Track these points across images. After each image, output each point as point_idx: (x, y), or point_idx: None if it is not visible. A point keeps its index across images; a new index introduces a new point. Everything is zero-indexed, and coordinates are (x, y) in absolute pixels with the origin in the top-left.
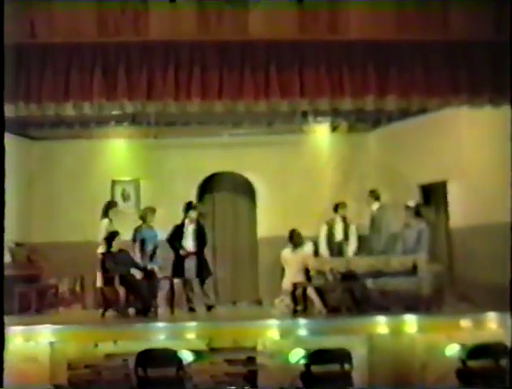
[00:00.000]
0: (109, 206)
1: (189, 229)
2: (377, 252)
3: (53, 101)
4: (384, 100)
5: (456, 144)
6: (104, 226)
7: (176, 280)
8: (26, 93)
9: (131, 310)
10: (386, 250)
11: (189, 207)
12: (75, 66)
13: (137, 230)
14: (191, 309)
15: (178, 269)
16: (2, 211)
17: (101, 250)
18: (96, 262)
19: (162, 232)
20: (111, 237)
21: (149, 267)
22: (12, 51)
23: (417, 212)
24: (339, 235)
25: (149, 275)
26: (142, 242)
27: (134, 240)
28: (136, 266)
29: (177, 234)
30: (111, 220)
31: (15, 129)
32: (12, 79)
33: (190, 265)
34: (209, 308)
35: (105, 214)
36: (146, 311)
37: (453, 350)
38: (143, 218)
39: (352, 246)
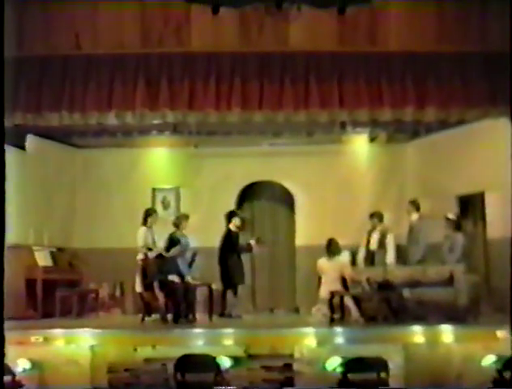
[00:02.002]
0: (148, 214)
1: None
2: (415, 262)
3: (96, 110)
4: (423, 112)
5: (494, 155)
6: (141, 234)
7: (214, 287)
8: (70, 102)
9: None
10: (424, 261)
11: (231, 215)
12: (119, 76)
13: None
14: (223, 315)
15: (240, 277)
16: (2, 214)
17: (141, 256)
18: (136, 267)
19: (199, 240)
20: (173, 242)
21: (187, 274)
22: (57, 62)
23: (457, 225)
24: (373, 244)
25: (187, 282)
26: None
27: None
28: (178, 273)
29: (233, 242)
30: (149, 228)
31: (60, 137)
32: (57, 88)
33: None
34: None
35: (144, 222)
36: (177, 318)
37: (489, 360)
38: (177, 225)
39: (389, 256)
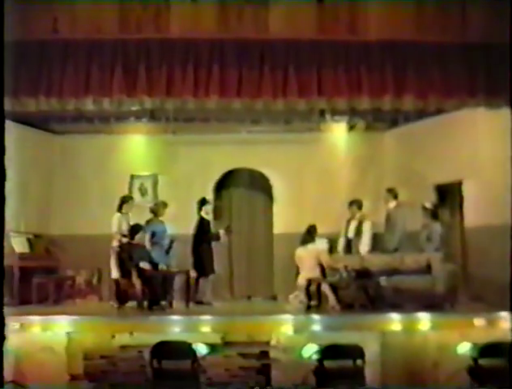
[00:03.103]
0: (123, 200)
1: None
2: (391, 250)
3: (73, 96)
4: (401, 100)
5: (472, 145)
6: (115, 220)
7: (192, 274)
8: (47, 87)
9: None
10: (401, 249)
11: (203, 202)
12: (96, 62)
13: (147, 223)
14: (198, 303)
15: (209, 265)
16: (2, 207)
17: (116, 242)
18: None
19: (176, 227)
20: (135, 229)
21: (165, 261)
22: (35, 46)
23: (434, 214)
24: (351, 232)
25: (165, 268)
26: (152, 236)
27: (144, 232)
28: (150, 260)
29: (204, 229)
30: (124, 215)
31: (37, 122)
32: (34, 73)
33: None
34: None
35: (119, 208)
36: (152, 304)
37: (465, 348)
38: (155, 212)
39: (363, 244)
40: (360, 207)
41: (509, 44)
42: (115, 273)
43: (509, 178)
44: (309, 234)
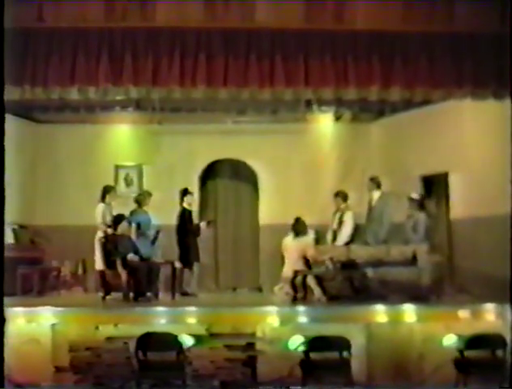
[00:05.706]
0: (106, 190)
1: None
2: (379, 242)
3: (58, 85)
4: (388, 91)
5: (458, 136)
6: (100, 211)
7: (177, 265)
8: (32, 76)
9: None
10: (388, 240)
11: (184, 193)
12: (82, 50)
13: (132, 214)
14: (184, 294)
15: (194, 255)
16: (2, 197)
17: (101, 233)
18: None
19: (162, 217)
20: (118, 220)
21: (150, 251)
22: (19, 35)
23: (421, 204)
24: (335, 223)
25: (150, 260)
26: (138, 226)
27: (129, 223)
28: (136, 251)
29: (186, 220)
30: (107, 205)
31: (21, 112)
32: (18, 62)
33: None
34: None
35: (102, 198)
36: (138, 296)
37: (451, 340)
38: (139, 202)
39: (343, 235)
40: (344, 198)
41: (510, 35)
42: (100, 264)
43: (496, 170)
44: (300, 226)
